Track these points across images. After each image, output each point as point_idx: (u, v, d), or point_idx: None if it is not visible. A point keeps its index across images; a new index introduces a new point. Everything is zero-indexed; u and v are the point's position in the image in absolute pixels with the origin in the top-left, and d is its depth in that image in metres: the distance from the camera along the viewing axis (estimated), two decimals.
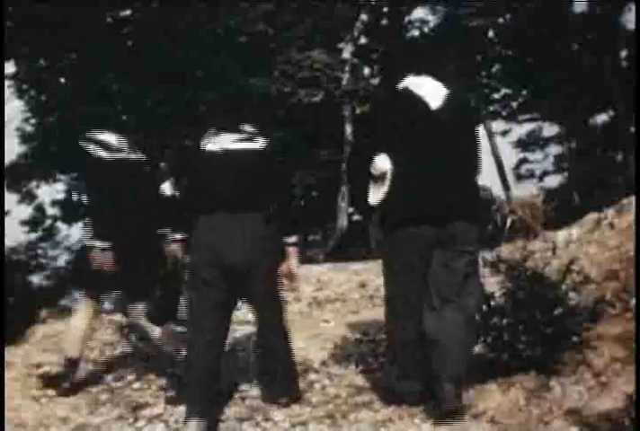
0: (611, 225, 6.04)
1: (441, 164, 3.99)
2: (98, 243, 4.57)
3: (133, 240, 4.63)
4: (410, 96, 4.10)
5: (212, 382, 4.16)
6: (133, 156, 4.81)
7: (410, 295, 4.06)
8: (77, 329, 4.81)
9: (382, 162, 4.06)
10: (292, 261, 4.29)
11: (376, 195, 4.11)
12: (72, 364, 4.79)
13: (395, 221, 4.05)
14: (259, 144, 4.29)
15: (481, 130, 21.20)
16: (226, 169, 4.24)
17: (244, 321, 6.49)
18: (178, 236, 4.40)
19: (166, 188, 5.14)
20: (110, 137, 4.78)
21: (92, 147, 4.72)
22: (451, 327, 3.94)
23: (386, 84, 4.04)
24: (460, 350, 3.96)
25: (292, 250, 4.29)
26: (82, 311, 4.83)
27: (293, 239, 4.28)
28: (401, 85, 4.18)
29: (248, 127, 4.35)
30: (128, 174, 4.71)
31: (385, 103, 4.43)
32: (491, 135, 21.19)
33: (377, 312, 6.36)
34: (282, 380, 4.48)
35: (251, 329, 6.21)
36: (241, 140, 4.30)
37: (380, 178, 4.07)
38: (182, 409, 4.50)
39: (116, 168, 4.68)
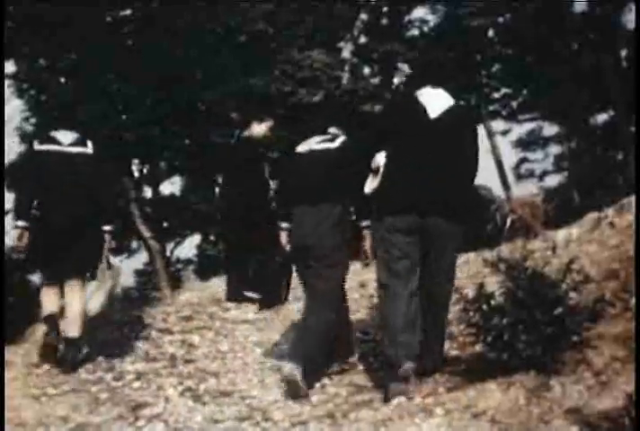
0: (611, 225, 6.03)
1: (430, 166, 4.48)
2: (18, 222, 5.13)
3: (59, 223, 5.10)
4: (415, 103, 4.61)
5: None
6: (78, 151, 5.27)
7: (400, 279, 4.46)
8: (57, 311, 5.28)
9: (379, 158, 4.59)
10: (366, 241, 4.99)
11: (370, 186, 4.63)
12: (51, 321, 5.17)
13: (384, 210, 4.54)
14: (337, 143, 5.06)
15: (481, 130, 21.25)
16: (309, 166, 5.06)
17: (242, 320, 6.50)
18: (284, 225, 5.14)
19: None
20: (63, 135, 5.31)
21: (36, 142, 5.30)
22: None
23: (405, 90, 4.98)
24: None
25: (366, 232, 4.98)
26: (47, 294, 5.27)
27: (366, 222, 4.94)
28: (415, 93, 4.66)
29: (333, 130, 5.21)
30: (65, 166, 5.21)
31: (392, 106, 5.28)
32: (491, 134, 21.20)
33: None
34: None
35: (250, 328, 6.23)
36: (324, 141, 5.11)
37: (376, 171, 4.60)
38: (182, 409, 4.51)
39: (51, 160, 5.21)
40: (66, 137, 5.29)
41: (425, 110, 4.56)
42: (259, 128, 7.17)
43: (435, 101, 4.59)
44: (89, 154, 5.30)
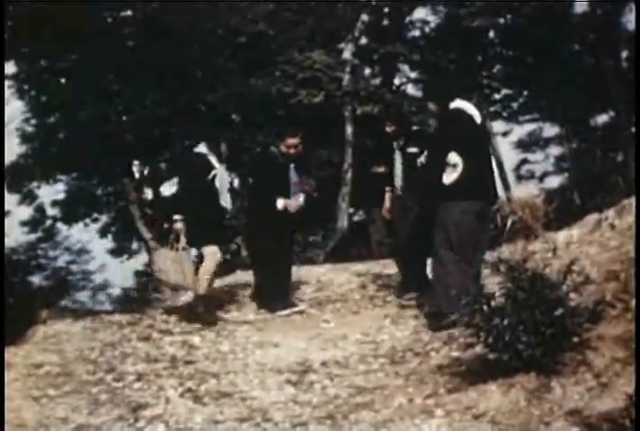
0: (612, 226, 6.03)
1: (488, 161, 6.02)
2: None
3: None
4: (464, 114, 5.90)
5: None
6: None
7: (462, 252, 5.60)
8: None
9: (454, 157, 5.73)
10: None
11: (449, 178, 5.72)
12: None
13: (461, 196, 5.68)
14: None
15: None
16: None
17: (243, 321, 6.50)
18: None
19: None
20: None
21: None
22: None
23: (439, 104, 6.00)
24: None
25: None
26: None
27: None
28: (452, 105, 5.90)
29: None
30: None
31: (448, 118, 6.13)
32: (491, 135, 21.20)
33: (377, 313, 6.38)
34: None
35: (251, 329, 6.22)
36: None
37: (453, 166, 5.72)
38: (182, 410, 4.52)
39: None
40: None
41: (472, 118, 5.87)
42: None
43: (473, 110, 5.92)
44: None
